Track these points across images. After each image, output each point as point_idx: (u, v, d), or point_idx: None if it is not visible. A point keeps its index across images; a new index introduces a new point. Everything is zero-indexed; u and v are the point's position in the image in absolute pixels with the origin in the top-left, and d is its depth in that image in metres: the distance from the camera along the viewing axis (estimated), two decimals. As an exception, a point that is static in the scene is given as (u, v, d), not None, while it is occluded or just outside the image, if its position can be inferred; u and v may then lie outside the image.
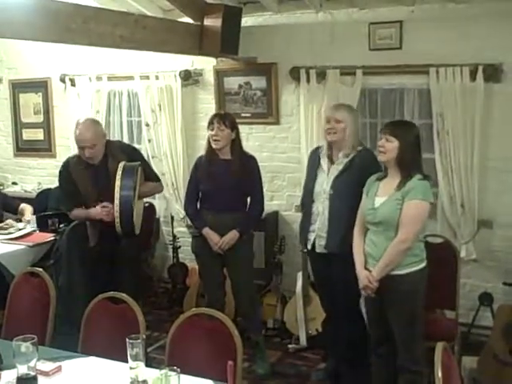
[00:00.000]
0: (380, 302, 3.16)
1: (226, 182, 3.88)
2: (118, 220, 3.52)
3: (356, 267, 3.21)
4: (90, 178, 3.76)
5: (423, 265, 3.14)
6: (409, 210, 3.03)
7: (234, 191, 3.91)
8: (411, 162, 3.09)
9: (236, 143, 3.94)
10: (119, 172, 3.54)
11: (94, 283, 3.67)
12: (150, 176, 4.02)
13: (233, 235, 3.91)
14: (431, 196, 3.14)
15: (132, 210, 3.54)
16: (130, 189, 3.54)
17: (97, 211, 3.71)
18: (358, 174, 3.43)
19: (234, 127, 3.91)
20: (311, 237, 3.67)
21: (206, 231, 3.93)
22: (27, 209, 5.06)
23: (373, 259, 3.15)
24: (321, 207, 3.60)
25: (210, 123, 3.90)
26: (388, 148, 3.09)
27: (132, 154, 3.94)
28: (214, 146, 3.89)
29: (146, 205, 5.02)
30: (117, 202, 3.49)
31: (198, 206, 4.05)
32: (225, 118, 3.89)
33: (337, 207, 3.54)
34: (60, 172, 3.90)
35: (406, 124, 3.34)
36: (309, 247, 3.71)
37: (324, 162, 3.65)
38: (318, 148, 3.79)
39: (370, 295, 3.16)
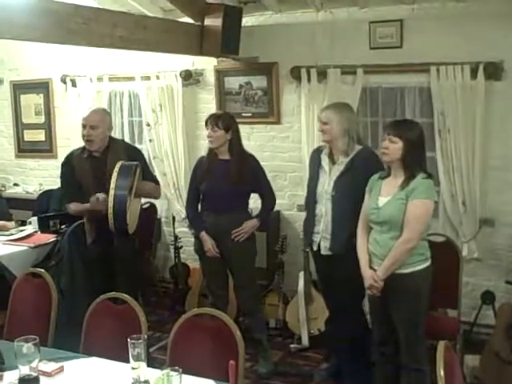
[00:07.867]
0: (384, 301, 3.15)
1: (224, 182, 3.87)
2: (111, 216, 3.54)
3: (361, 267, 3.20)
4: (91, 169, 3.80)
5: (428, 263, 3.13)
6: (413, 209, 3.02)
7: (233, 192, 3.89)
8: (415, 161, 3.07)
9: (233, 143, 3.92)
10: (116, 170, 3.56)
11: (96, 284, 3.69)
12: (149, 179, 4.01)
13: (253, 223, 3.94)
14: (435, 194, 3.14)
15: (125, 210, 3.55)
16: (126, 188, 3.55)
17: (91, 201, 3.71)
18: (360, 175, 3.38)
19: (228, 128, 3.88)
20: (316, 238, 3.66)
21: (202, 235, 3.95)
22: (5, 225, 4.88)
23: (377, 258, 3.13)
24: (324, 209, 3.59)
25: (206, 123, 3.94)
26: (392, 150, 3.07)
27: (133, 154, 3.95)
28: (209, 145, 3.93)
29: (147, 205, 5.04)
30: (111, 198, 3.51)
31: (199, 207, 4.06)
32: (218, 120, 3.87)
33: (339, 209, 3.53)
34: (63, 163, 3.97)
35: (409, 123, 3.28)
36: (314, 248, 3.69)
37: (325, 163, 3.63)
38: (319, 147, 3.78)
39: (375, 294, 3.15)
